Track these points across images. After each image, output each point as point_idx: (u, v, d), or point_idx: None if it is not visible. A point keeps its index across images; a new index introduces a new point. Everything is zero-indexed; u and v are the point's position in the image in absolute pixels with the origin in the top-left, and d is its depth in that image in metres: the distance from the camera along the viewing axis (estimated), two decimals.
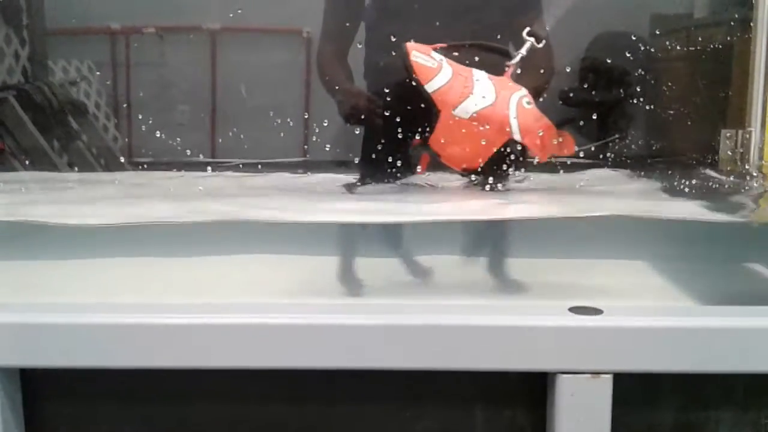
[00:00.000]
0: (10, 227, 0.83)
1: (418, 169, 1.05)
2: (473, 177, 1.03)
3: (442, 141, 0.98)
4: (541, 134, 0.98)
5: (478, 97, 0.97)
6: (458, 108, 0.96)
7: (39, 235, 0.82)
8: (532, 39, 1.05)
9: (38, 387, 0.63)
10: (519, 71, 1.05)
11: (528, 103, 0.99)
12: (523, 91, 1.00)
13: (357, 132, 1.11)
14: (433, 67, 0.98)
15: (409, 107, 0.99)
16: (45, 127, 1.65)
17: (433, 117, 0.97)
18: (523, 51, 1.05)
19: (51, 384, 0.64)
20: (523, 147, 0.98)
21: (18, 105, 1.61)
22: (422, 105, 0.97)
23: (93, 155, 1.77)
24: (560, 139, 1.00)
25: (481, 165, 1.00)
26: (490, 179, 1.00)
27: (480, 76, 1.00)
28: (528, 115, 0.98)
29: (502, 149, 0.98)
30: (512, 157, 0.99)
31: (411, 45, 1.00)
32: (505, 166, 0.99)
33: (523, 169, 1.02)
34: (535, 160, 1.01)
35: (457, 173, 1.04)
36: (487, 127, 0.97)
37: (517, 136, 0.97)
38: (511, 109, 0.97)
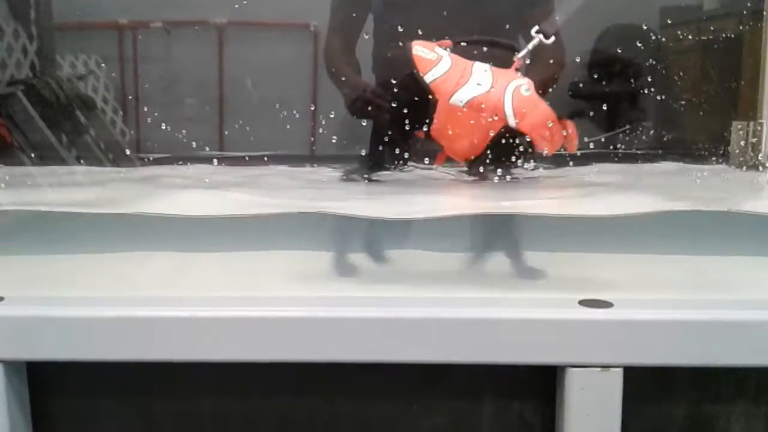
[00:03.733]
0: (15, 219, 0.83)
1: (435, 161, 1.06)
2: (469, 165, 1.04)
3: (441, 130, 1.00)
4: (537, 121, 0.97)
5: (473, 84, 0.99)
6: (454, 96, 0.98)
7: (44, 227, 0.82)
8: (540, 36, 1.05)
9: (45, 380, 0.63)
10: (528, 62, 1.05)
11: (526, 90, 0.99)
12: (524, 80, 1.00)
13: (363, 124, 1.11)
14: (433, 59, 1.01)
15: (411, 99, 1.01)
16: (53, 122, 1.65)
17: (433, 107, 0.99)
18: (530, 46, 1.05)
19: (58, 377, 0.64)
20: (522, 134, 0.98)
21: (26, 99, 1.61)
22: (423, 96, 0.99)
23: (100, 149, 1.78)
24: (568, 131, 1.00)
25: (481, 152, 1.00)
26: (491, 167, 1.01)
27: (481, 67, 1.02)
28: (524, 101, 0.98)
29: (501, 137, 0.99)
30: (510, 143, 0.99)
31: (416, 42, 1.03)
32: (506, 154, 1.00)
33: (531, 160, 1.01)
34: (544, 152, 1.00)
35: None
36: (479, 114, 0.98)
37: (511, 122, 0.97)
38: (507, 95, 0.98)
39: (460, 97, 0.98)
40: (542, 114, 0.98)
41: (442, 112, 0.99)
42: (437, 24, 1.26)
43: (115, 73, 2.01)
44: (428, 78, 0.99)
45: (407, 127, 1.02)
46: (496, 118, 0.97)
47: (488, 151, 1.00)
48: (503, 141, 0.99)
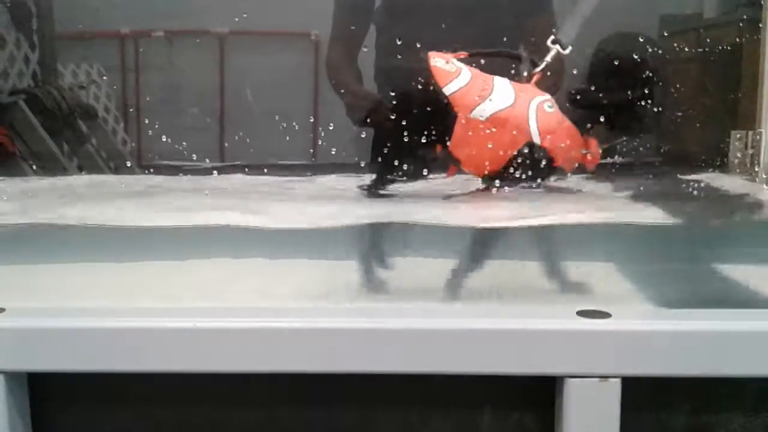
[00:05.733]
0: (16, 229, 0.83)
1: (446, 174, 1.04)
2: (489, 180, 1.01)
3: (460, 143, 0.98)
4: (557, 139, 0.96)
5: (496, 99, 0.96)
6: (475, 110, 0.95)
7: (45, 237, 0.82)
8: (557, 46, 1.03)
9: (46, 391, 0.63)
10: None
11: (550, 106, 0.97)
12: (546, 95, 0.98)
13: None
14: (452, 71, 0.98)
15: (426, 111, 0.99)
16: (55, 131, 1.66)
17: (451, 120, 0.97)
18: (548, 58, 1.03)
19: (59, 388, 0.64)
20: (544, 151, 0.97)
21: (28, 109, 1.62)
22: (440, 108, 0.97)
23: (102, 158, 1.79)
24: (590, 150, 0.98)
25: (501, 168, 0.98)
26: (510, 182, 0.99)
27: (501, 81, 0.99)
28: (548, 118, 0.96)
29: (521, 153, 0.97)
30: (532, 160, 0.97)
31: (432, 53, 1.00)
32: (526, 170, 0.98)
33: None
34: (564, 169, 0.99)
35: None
36: (502, 129, 0.95)
37: (536, 139, 0.95)
38: (531, 111, 0.96)
39: (483, 111, 0.95)
40: (567, 132, 0.97)
41: (461, 126, 0.96)
42: (439, 34, 1.26)
43: (116, 84, 2.02)
44: (447, 90, 0.96)
45: (423, 140, 0.99)
46: (517, 133, 0.96)
47: (508, 167, 0.98)
48: (523, 157, 0.97)
